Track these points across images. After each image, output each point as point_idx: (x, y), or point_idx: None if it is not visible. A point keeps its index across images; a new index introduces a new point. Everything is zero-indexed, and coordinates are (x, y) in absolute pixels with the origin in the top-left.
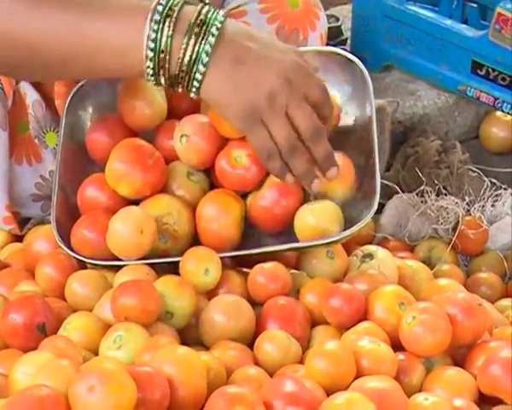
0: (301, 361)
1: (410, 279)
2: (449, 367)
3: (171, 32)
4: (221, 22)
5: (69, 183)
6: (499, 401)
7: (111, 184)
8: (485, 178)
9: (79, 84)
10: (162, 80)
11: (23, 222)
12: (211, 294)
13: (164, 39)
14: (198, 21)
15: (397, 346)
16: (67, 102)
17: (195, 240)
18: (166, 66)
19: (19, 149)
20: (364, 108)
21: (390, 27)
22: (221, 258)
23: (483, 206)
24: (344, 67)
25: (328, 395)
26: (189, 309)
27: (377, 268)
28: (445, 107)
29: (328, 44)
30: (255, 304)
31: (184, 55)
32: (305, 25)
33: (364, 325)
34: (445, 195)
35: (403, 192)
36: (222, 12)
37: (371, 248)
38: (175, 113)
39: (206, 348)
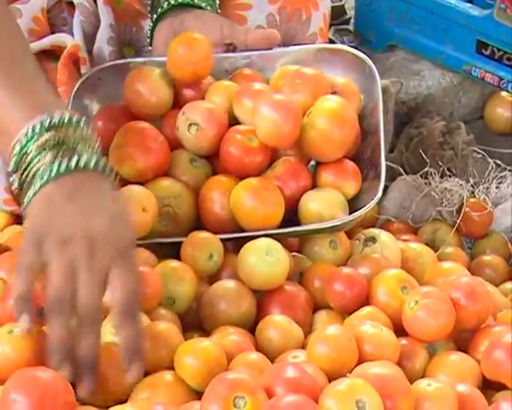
0: (303, 346)
1: (414, 262)
2: (452, 352)
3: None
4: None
5: None
6: (503, 387)
7: (114, 165)
8: (490, 160)
9: (85, 75)
10: None
11: None
12: (212, 278)
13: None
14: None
15: (399, 331)
16: (73, 92)
17: (196, 225)
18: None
19: None
20: (371, 102)
21: (394, 6)
22: (223, 241)
23: (487, 188)
24: (352, 62)
25: (330, 381)
26: (190, 294)
27: (380, 252)
28: (449, 87)
29: (331, 25)
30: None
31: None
32: (307, 4)
33: (367, 309)
34: (450, 176)
35: (406, 174)
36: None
37: (374, 231)
38: (181, 102)
39: (207, 333)
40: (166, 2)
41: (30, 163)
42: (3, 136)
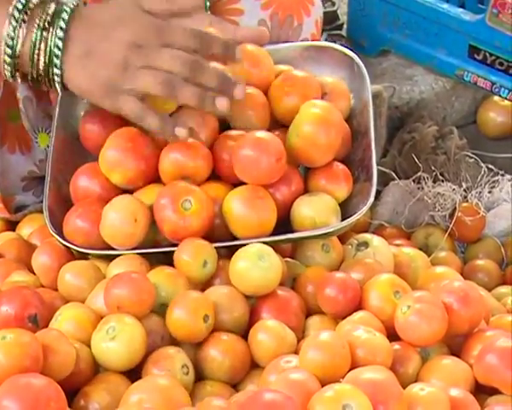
0: (296, 351)
1: (407, 267)
2: (445, 357)
3: (23, 37)
4: (65, 20)
5: (61, 172)
6: (495, 391)
7: (104, 171)
8: (483, 164)
9: None
10: (23, 79)
11: (18, 209)
12: (205, 284)
13: (19, 46)
14: (45, 24)
15: (392, 335)
16: (59, 96)
17: None
18: (25, 70)
19: (11, 138)
20: (361, 102)
21: (387, 11)
22: (216, 248)
23: (480, 192)
24: (341, 60)
25: (322, 386)
26: None
27: (372, 256)
28: (442, 92)
29: (323, 30)
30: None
31: (38, 60)
32: (299, 10)
33: (360, 314)
34: (442, 181)
35: (399, 179)
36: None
37: (366, 236)
38: None
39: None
40: None
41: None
42: None
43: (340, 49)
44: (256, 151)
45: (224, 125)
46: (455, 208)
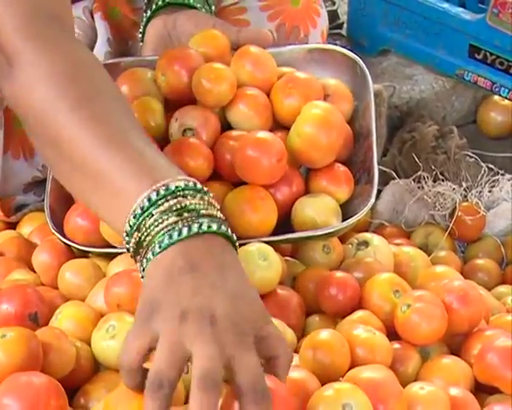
0: (296, 350)
1: (407, 266)
2: (445, 356)
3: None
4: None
5: None
6: (495, 390)
7: None
8: (483, 164)
9: None
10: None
11: (19, 209)
12: None
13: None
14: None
15: (392, 334)
16: None
17: None
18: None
19: (15, 144)
20: (363, 104)
21: (387, 11)
22: None
23: (480, 191)
24: (343, 63)
25: (322, 385)
26: None
27: (373, 256)
28: (442, 91)
29: None
30: None
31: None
32: (305, 22)
33: (359, 313)
34: (442, 180)
35: (399, 178)
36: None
37: (366, 235)
38: (171, 104)
39: None
40: (161, 0)
41: (151, 225)
42: (117, 198)
43: (343, 51)
44: (257, 151)
45: (226, 125)
46: (455, 208)
